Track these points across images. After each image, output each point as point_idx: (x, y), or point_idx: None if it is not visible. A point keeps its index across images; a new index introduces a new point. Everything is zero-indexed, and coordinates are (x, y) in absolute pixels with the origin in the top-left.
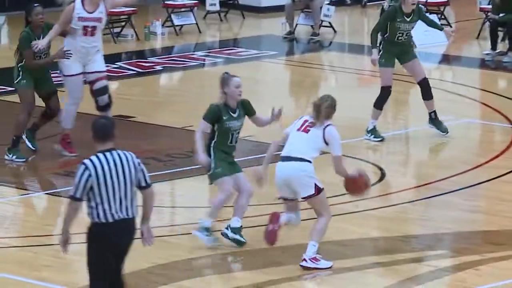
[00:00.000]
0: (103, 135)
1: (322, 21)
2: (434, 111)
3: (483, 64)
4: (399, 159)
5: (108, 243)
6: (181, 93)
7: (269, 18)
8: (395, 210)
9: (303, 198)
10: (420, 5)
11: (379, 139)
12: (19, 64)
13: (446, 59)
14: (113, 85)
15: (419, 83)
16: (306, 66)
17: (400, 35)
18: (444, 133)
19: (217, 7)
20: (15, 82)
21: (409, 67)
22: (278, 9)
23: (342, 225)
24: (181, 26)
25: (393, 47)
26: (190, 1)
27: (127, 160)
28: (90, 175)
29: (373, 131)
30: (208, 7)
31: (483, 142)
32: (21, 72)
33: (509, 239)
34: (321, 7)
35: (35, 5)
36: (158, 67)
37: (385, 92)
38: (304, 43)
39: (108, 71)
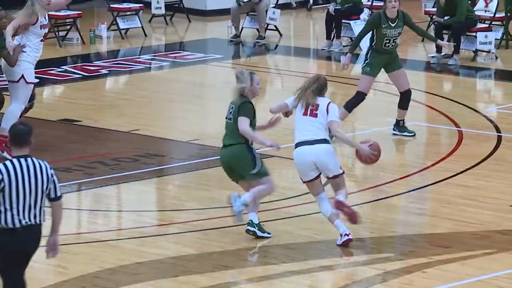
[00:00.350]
0: (19, 141)
1: (267, 24)
2: (403, 120)
3: (428, 67)
4: (346, 162)
5: (14, 248)
6: (127, 96)
7: (215, 21)
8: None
9: (332, 177)
10: (403, 11)
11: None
12: None
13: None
14: (59, 89)
15: (402, 93)
16: (252, 70)
17: (387, 41)
18: (411, 134)
19: (163, 11)
20: None
21: (394, 77)
22: (224, 12)
23: (289, 228)
24: (127, 29)
25: (380, 55)
26: (135, 4)
27: (41, 169)
28: (2, 179)
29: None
30: (153, 11)
31: (429, 145)
32: None
33: (456, 241)
34: (266, 11)
35: None
36: (104, 71)
37: (360, 97)
38: (250, 47)
39: (53, 74)
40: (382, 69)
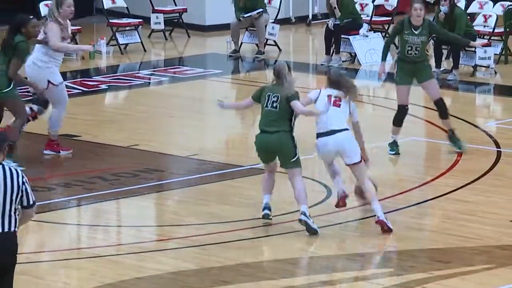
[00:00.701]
0: None
1: (267, 39)
2: (452, 130)
3: None
4: (345, 177)
5: None
6: (127, 112)
7: (214, 36)
8: (342, 228)
9: (352, 164)
10: (430, 20)
11: (393, 152)
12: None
13: (390, 77)
14: None
15: (434, 103)
16: (251, 85)
17: (410, 49)
18: (460, 150)
19: (162, 26)
20: (6, 90)
21: (424, 87)
22: (223, 27)
23: (290, 243)
24: (126, 44)
25: (406, 64)
26: (134, 19)
27: (11, 177)
28: None
29: (392, 144)
30: (152, 26)
31: (428, 160)
32: (11, 81)
33: (456, 257)
34: (266, 26)
35: (32, 17)
36: (103, 86)
37: (401, 110)
38: (249, 62)
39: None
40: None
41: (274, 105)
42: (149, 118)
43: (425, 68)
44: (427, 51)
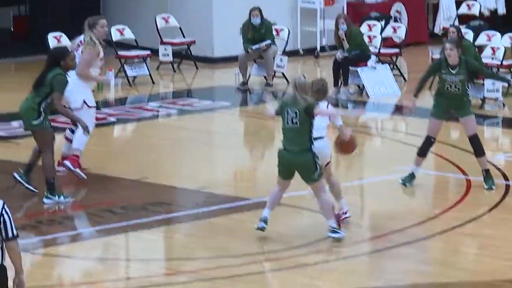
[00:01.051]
0: None
1: (275, 71)
2: (486, 170)
3: None
4: (353, 211)
5: None
6: (135, 144)
7: (222, 68)
8: (349, 262)
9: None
10: (467, 58)
11: (403, 182)
12: (40, 103)
13: (399, 109)
14: None
15: (469, 139)
16: (260, 117)
17: (449, 86)
18: (488, 188)
19: (170, 58)
20: (36, 122)
21: (462, 122)
22: (231, 59)
23: (296, 278)
24: (134, 77)
25: (444, 99)
26: (143, 51)
27: None
28: None
29: (408, 176)
30: (161, 58)
31: (437, 193)
32: (43, 112)
33: None
34: (274, 58)
35: (70, 50)
36: (112, 118)
37: (427, 141)
38: (257, 94)
39: (61, 122)
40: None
41: (294, 121)
42: (158, 150)
43: (465, 103)
44: (467, 87)
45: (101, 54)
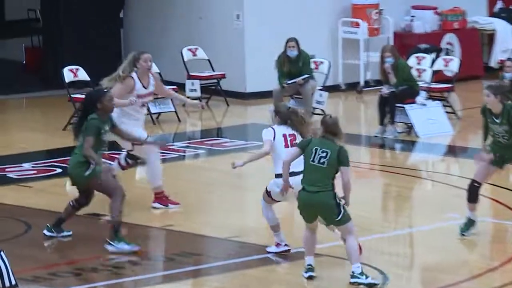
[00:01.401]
0: None
1: (314, 108)
2: None
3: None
4: (403, 262)
5: None
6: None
7: (255, 105)
8: None
9: None
10: (510, 108)
11: (463, 232)
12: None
13: (451, 150)
14: None
15: None
16: None
17: (497, 136)
18: None
19: (198, 93)
20: (87, 173)
21: None
22: (265, 95)
23: None
24: (159, 114)
25: (496, 146)
26: (168, 86)
27: None
28: None
29: (465, 224)
30: (188, 93)
31: (495, 243)
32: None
33: None
34: (313, 93)
35: (106, 89)
36: None
37: (471, 185)
38: None
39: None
40: None
41: (322, 161)
42: (184, 194)
43: None
44: None
45: (136, 89)
